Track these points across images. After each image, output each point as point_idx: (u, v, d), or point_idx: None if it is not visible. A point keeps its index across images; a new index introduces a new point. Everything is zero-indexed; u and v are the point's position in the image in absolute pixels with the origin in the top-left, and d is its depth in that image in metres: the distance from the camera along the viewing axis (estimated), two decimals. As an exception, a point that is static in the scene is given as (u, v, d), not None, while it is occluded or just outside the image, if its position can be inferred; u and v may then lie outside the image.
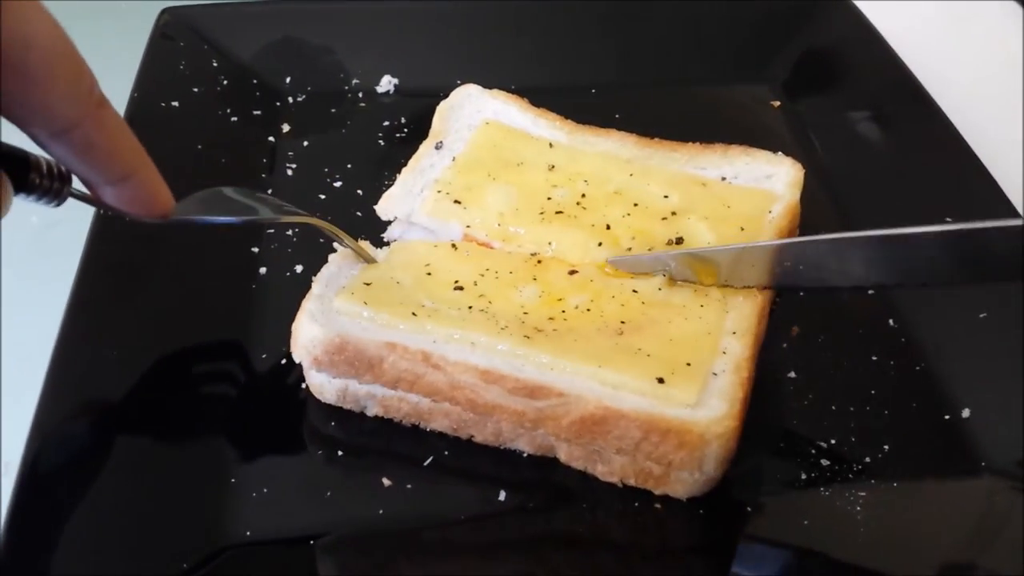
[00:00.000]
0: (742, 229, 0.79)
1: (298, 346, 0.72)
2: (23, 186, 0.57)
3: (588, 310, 0.73)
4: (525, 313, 0.73)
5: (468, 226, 0.81)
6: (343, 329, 0.71)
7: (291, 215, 0.74)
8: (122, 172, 0.59)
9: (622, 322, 0.72)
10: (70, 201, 0.61)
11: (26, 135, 0.55)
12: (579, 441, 0.67)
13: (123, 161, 0.59)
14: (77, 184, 0.61)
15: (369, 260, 0.79)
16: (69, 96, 0.53)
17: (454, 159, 0.88)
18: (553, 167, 0.86)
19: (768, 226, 0.80)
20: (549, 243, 0.79)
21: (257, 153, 0.96)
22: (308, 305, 0.73)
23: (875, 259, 0.68)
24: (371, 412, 0.73)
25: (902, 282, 0.71)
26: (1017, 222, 0.61)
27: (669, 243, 0.78)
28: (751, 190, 0.85)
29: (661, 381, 0.67)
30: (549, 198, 0.83)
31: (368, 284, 0.75)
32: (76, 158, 0.57)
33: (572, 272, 0.77)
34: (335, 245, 0.79)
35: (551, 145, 0.89)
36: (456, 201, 0.83)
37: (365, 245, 0.80)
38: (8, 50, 0.49)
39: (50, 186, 0.58)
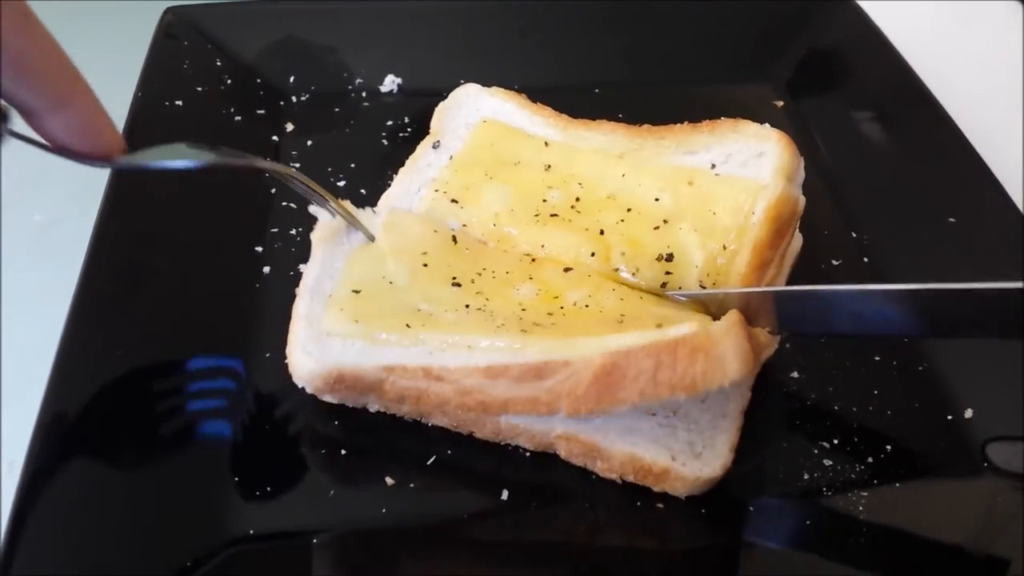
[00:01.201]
0: (724, 247, 0.77)
1: (297, 377, 0.72)
2: None
3: (587, 306, 0.73)
4: (523, 310, 0.73)
5: (464, 225, 0.82)
6: (337, 360, 0.70)
7: (255, 160, 0.72)
8: (59, 94, 0.59)
9: (621, 315, 0.72)
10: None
11: None
12: (600, 408, 0.65)
13: (59, 81, 0.58)
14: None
15: (351, 220, 0.77)
16: None
17: (451, 158, 0.88)
18: (549, 167, 0.86)
19: (749, 233, 0.77)
20: (542, 246, 0.79)
21: (261, 152, 0.96)
22: (298, 332, 0.72)
23: (884, 312, 0.66)
24: (373, 408, 0.73)
25: (920, 334, 0.69)
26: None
27: (659, 259, 0.77)
28: (737, 186, 0.81)
29: (659, 326, 0.66)
30: (544, 200, 0.83)
31: (356, 291, 0.74)
32: (10, 76, 0.56)
33: (567, 269, 0.77)
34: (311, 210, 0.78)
35: (546, 144, 0.89)
36: (453, 200, 0.83)
37: (361, 213, 0.81)
38: None
39: None
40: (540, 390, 0.66)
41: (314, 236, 0.79)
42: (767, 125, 0.85)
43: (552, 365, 0.66)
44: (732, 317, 0.65)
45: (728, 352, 0.63)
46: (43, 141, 0.61)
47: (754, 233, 0.77)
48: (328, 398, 0.73)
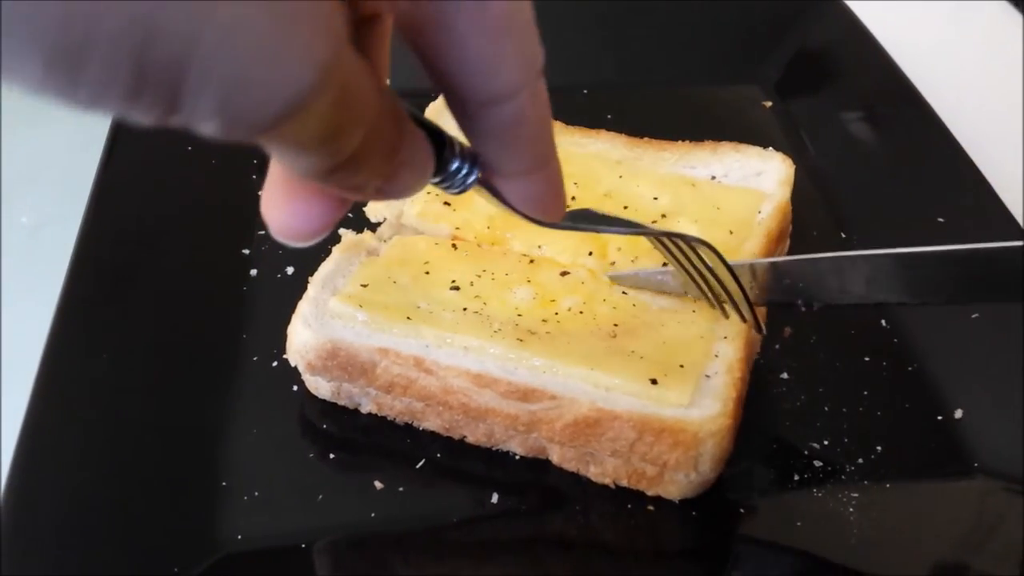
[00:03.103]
0: (731, 232, 0.79)
1: (292, 351, 0.72)
2: (437, 164, 0.50)
3: (581, 312, 0.73)
4: (519, 315, 0.73)
5: (457, 228, 0.81)
6: (335, 335, 0.71)
7: None
8: (538, 159, 0.49)
9: (615, 325, 0.72)
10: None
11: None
12: (573, 444, 0.67)
13: (543, 146, 0.49)
14: None
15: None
16: (520, 57, 0.43)
17: (444, 161, 0.88)
18: None
19: (758, 228, 0.80)
20: (539, 247, 0.79)
21: (252, 153, 0.96)
22: (302, 308, 0.73)
23: (875, 277, 0.67)
24: (365, 409, 0.73)
25: (901, 301, 0.69)
26: (1019, 244, 0.60)
27: None
28: (741, 190, 0.84)
29: (654, 382, 0.67)
30: (539, 200, 0.83)
31: (364, 286, 0.75)
32: (500, 135, 0.47)
33: (564, 273, 0.76)
34: (340, 232, 0.79)
35: None
36: (445, 203, 0.82)
37: (367, 236, 0.81)
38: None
39: (460, 168, 0.51)
40: (522, 410, 0.67)
41: (336, 248, 0.79)
42: (771, 149, 0.88)
43: (539, 393, 0.67)
44: (725, 415, 0.66)
45: (706, 455, 0.65)
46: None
47: (765, 225, 0.80)
48: (318, 386, 0.73)
